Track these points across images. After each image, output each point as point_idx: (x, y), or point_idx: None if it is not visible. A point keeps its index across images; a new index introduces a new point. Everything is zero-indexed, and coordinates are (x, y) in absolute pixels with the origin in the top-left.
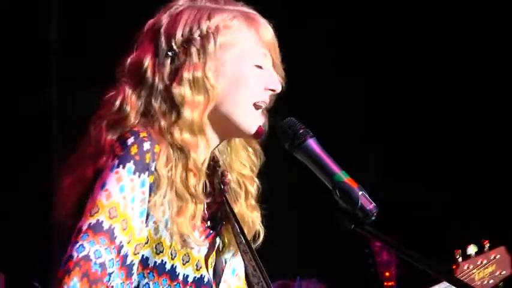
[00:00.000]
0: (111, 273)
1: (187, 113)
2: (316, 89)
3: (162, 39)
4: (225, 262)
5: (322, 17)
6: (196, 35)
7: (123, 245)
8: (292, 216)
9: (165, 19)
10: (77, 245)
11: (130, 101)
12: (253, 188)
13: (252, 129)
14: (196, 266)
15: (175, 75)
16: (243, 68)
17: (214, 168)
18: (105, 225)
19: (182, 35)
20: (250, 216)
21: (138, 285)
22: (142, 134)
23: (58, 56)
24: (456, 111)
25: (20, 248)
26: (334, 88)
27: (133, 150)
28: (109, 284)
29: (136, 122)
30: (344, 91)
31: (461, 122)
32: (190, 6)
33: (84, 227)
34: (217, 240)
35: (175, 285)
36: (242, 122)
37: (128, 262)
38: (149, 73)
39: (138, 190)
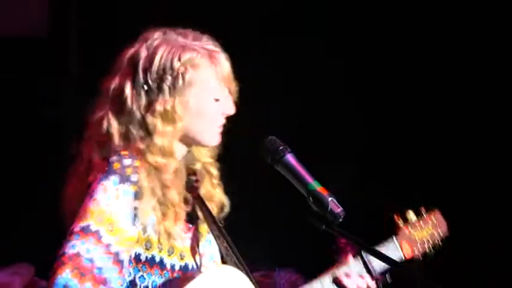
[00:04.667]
0: (101, 267)
1: (158, 140)
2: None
3: (140, 73)
4: (204, 249)
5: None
6: (168, 75)
7: (111, 244)
8: (272, 213)
9: (143, 52)
10: (70, 244)
11: (113, 126)
12: (216, 170)
13: (214, 143)
14: (180, 255)
15: (150, 106)
16: (204, 103)
17: (191, 174)
18: (93, 228)
19: (157, 73)
20: (215, 192)
21: (134, 278)
22: (123, 153)
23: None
24: (453, 113)
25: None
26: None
27: (116, 166)
28: (100, 275)
29: (122, 143)
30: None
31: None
32: (164, 41)
33: (76, 229)
34: (197, 232)
35: (165, 273)
36: (207, 140)
37: (121, 258)
38: (129, 102)
39: (122, 198)
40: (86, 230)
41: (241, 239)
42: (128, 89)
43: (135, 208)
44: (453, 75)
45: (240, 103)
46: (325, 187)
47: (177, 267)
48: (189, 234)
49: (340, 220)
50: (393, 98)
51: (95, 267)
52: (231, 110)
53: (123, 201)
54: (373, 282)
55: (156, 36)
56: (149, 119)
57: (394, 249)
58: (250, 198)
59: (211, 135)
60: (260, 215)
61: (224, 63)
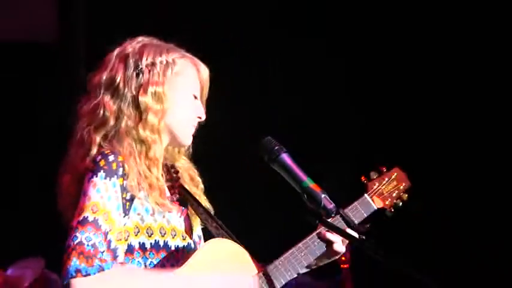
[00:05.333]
0: (103, 251)
1: (150, 117)
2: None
3: (131, 60)
4: (198, 237)
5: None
6: (158, 62)
7: (107, 232)
8: (271, 210)
9: (130, 48)
10: (72, 236)
11: (110, 108)
12: (199, 178)
13: (187, 143)
14: (182, 236)
15: (141, 87)
16: (184, 94)
17: (170, 167)
18: (90, 218)
19: (147, 59)
20: (196, 190)
21: (145, 266)
22: (106, 151)
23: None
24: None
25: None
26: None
27: (102, 163)
28: (103, 258)
29: (113, 123)
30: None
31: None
32: (148, 43)
33: (75, 224)
34: (189, 218)
35: (171, 255)
36: (181, 137)
37: (112, 247)
38: (121, 85)
39: (111, 190)
40: (83, 222)
41: (239, 236)
42: (120, 75)
43: (126, 200)
44: (452, 74)
45: (240, 103)
46: (318, 184)
47: (181, 248)
48: (184, 216)
49: (333, 216)
50: (393, 98)
51: (99, 251)
52: (203, 115)
53: (112, 193)
54: (355, 232)
55: (140, 39)
56: (141, 98)
57: (367, 204)
58: (249, 196)
59: (186, 133)
60: (259, 212)
61: (204, 68)
